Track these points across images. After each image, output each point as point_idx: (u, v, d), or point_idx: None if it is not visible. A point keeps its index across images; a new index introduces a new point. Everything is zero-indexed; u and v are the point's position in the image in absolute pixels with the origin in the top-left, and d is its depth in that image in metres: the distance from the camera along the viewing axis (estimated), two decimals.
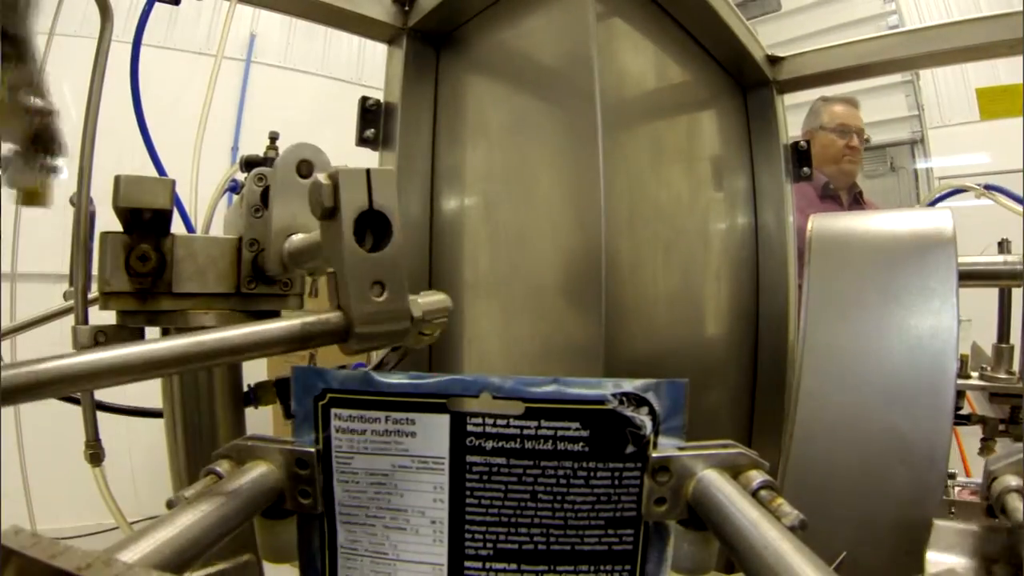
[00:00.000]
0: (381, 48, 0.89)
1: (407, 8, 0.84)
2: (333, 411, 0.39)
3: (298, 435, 0.39)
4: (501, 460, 0.38)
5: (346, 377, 0.39)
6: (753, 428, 1.00)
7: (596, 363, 0.64)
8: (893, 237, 0.56)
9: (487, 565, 0.39)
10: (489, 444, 0.38)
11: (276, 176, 0.47)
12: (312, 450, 0.38)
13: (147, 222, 0.48)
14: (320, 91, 3.03)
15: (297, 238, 0.46)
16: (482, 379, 0.38)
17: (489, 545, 0.39)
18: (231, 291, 0.52)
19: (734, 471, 0.36)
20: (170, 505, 0.33)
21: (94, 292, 0.52)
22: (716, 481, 0.35)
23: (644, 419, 0.38)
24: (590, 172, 0.66)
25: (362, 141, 0.86)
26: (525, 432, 0.38)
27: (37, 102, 0.52)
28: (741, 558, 0.31)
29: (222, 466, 0.37)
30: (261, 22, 2.93)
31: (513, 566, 0.39)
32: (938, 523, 0.42)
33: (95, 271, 0.49)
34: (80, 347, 0.48)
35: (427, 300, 0.40)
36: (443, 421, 0.38)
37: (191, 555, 0.30)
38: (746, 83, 1.03)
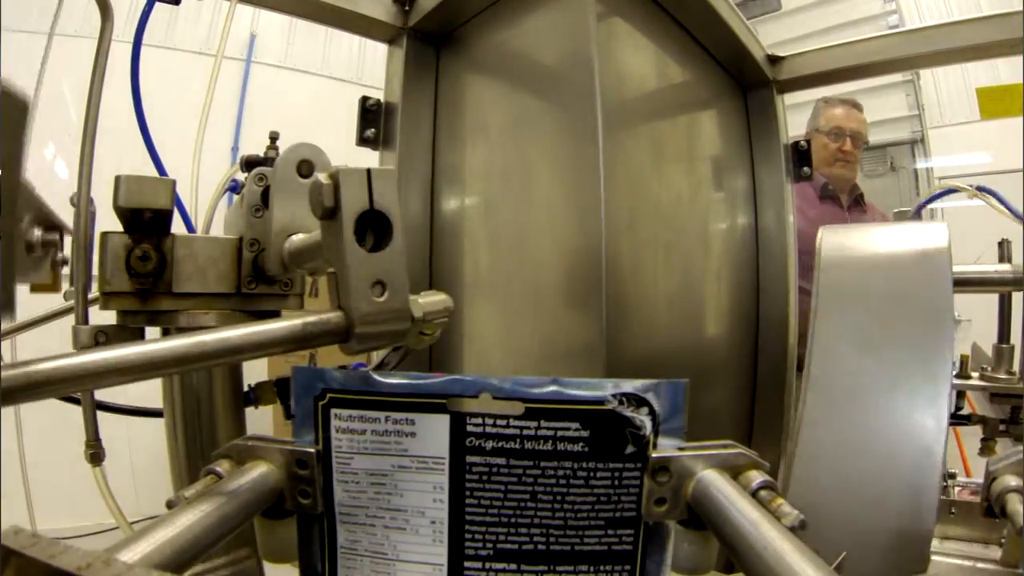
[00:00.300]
0: (381, 48, 0.89)
1: (407, 8, 0.84)
2: (333, 411, 0.39)
3: (298, 435, 0.39)
4: (501, 460, 0.38)
5: (346, 377, 0.39)
6: (753, 428, 1.00)
7: (597, 363, 0.64)
8: (895, 254, 0.61)
9: (487, 565, 0.39)
10: (489, 444, 0.38)
11: (276, 176, 0.47)
12: (312, 450, 0.38)
13: (147, 222, 0.48)
14: (320, 91, 3.03)
15: (297, 238, 0.46)
16: (482, 379, 0.38)
17: (489, 545, 0.39)
18: (231, 291, 0.52)
19: (734, 471, 0.36)
20: (170, 505, 0.33)
21: (94, 292, 0.52)
22: (716, 481, 0.35)
23: (644, 419, 0.38)
24: (590, 172, 0.66)
25: (362, 141, 0.86)
26: (525, 432, 0.38)
27: (42, 236, 0.52)
28: (741, 558, 0.31)
29: (222, 466, 0.37)
30: (261, 22, 2.93)
31: (513, 566, 0.39)
32: (935, 559, 0.43)
33: (95, 271, 0.49)
34: (80, 347, 0.48)
35: (428, 300, 0.40)
36: (443, 421, 0.38)
37: (191, 555, 0.30)
38: (746, 83, 1.03)
